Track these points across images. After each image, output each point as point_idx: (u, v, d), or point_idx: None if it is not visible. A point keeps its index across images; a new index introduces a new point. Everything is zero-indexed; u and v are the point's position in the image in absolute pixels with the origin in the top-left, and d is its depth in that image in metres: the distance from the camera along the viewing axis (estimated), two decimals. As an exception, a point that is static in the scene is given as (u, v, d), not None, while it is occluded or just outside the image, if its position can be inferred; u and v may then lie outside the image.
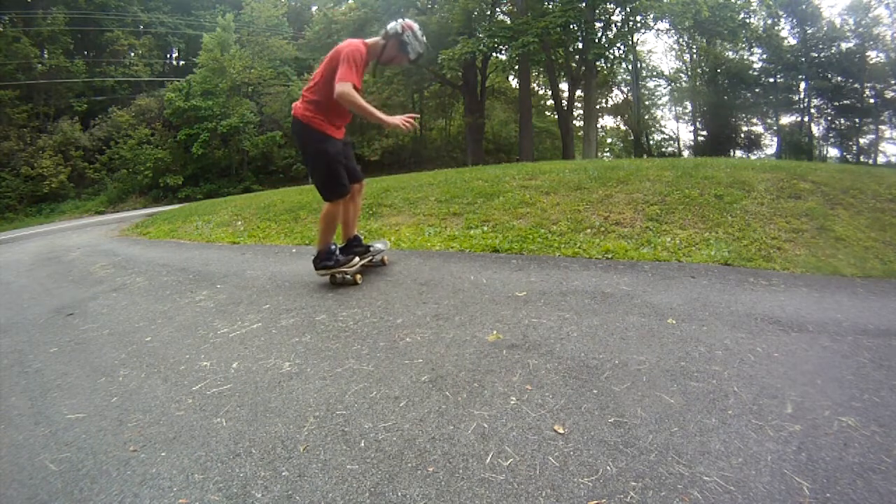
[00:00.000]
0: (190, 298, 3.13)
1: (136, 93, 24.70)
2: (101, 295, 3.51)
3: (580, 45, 19.12)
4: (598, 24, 18.23)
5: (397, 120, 2.67)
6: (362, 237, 3.30)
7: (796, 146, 26.85)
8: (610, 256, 3.36)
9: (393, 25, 2.84)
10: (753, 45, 26.30)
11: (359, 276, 3.03)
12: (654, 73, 30.25)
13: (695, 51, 28.73)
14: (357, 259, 3.06)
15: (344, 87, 2.57)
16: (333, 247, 3.00)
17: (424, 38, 2.88)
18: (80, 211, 20.21)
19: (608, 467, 1.23)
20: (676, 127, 37.75)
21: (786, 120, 29.05)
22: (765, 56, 27.44)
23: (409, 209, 5.19)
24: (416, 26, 2.85)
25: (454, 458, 1.31)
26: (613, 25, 19.42)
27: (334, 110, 2.77)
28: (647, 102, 31.00)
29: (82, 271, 4.66)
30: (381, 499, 1.18)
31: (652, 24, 19.54)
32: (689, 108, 30.71)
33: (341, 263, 2.98)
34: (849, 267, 3.08)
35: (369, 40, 2.85)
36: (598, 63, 18.71)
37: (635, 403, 1.51)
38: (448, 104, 26.43)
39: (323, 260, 2.98)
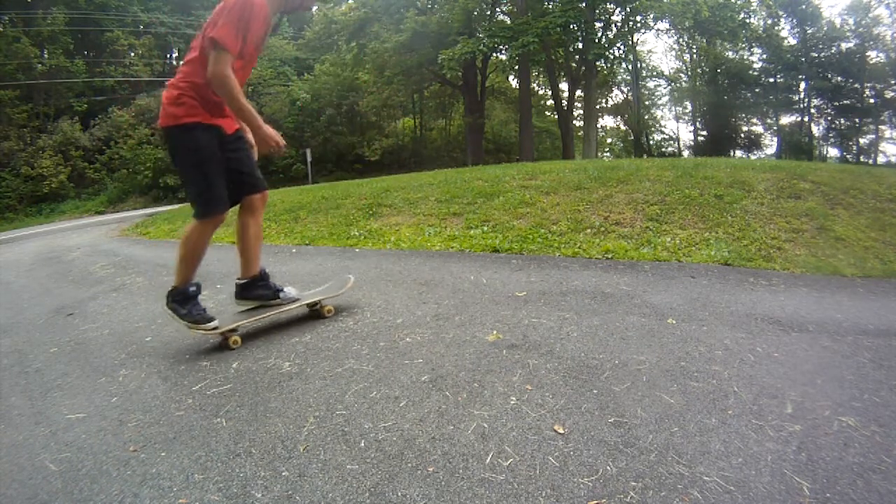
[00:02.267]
0: (190, 298, 3.12)
1: (136, 93, 24.68)
2: (101, 295, 3.50)
3: (580, 45, 19.11)
4: (598, 24, 18.23)
5: (271, 133, 2.02)
6: (269, 275, 2.38)
7: (796, 146, 26.84)
8: (610, 256, 3.36)
9: None
10: (753, 45, 26.30)
11: (235, 340, 2.17)
12: (654, 73, 30.25)
13: (695, 51, 28.73)
14: (213, 322, 2.13)
15: (219, 60, 1.83)
16: (193, 289, 2.16)
17: None
18: (80, 211, 20.21)
19: (608, 467, 1.23)
20: (676, 127, 37.75)
21: (786, 120, 29.07)
22: (765, 56, 27.44)
23: (409, 209, 5.19)
24: None
25: (454, 458, 1.31)
26: (613, 25, 19.42)
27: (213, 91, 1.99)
28: (647, 102, 31.01)
29: (82, 271, 4.66)
30: (381, 499, 1.18)
31: (652, 24, 19.54)
32: (689, 108, 30.71)
33: (193, 319, 2.10)
34: (849, 267, 3.08)
35: None
36: (598, 63, 18.70)
37: (635, 403, 1.51)
38: (448, 104, 26.42)
39: (174, 300, 2.13)
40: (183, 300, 2.13)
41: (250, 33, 1.92)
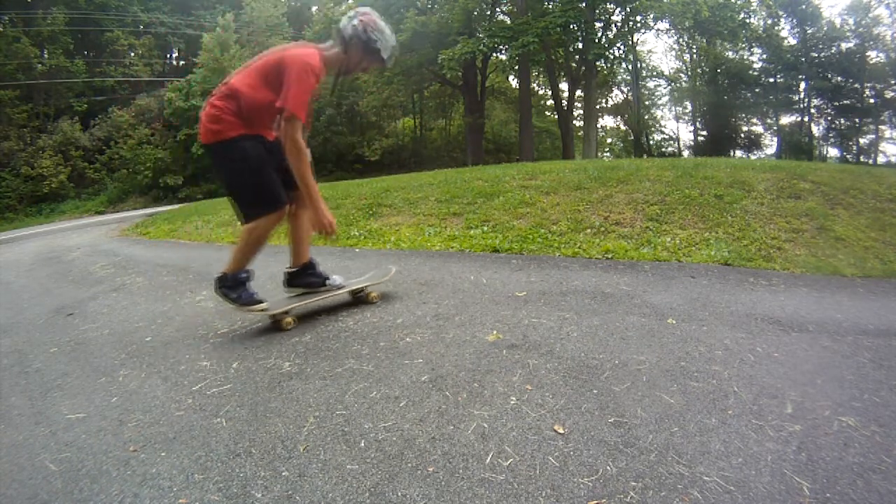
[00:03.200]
0: (190, 298, 3.13)
1: (136, 93, 24.69)
2: (101, 295, 3.50)
3: (580, 45, 19.12)
4: (598, 24, 18.24)
5: (325, 212, 2.15)
6: (317, 263, 2.56)
7: (796, 146, 26.85)
8: (610, 256, 3.36)
9: (347, 24, 2.18)
10: (753, 45, 26.31)
11: (288, 321, 2.33)
12: (654, 73, 30.26)
13: (695, 51, 28.74)
14: (264, 303, 2.30)
15: (294, 122, 2.01)
16: (244, 275, 2.31)
17: (389, 28, 2.25)
18: (80, 211, 20.21)
19: (608, 467, 1.23)
20: (676, 127, 37.79)
21: (786, 120, 29.08)
22: (765, 56, 27.45)
23: (409, 209, 5.19)
24: (375, 16, 2.21)
25: (454, 458, 1.31)
26: (613, 25, 19.43)
27: (258, 118, 2.18)
28: (647, 102, 31.02)
29: (82, 271, 4.66)
30: (381, 499, 1.18)
31: (652, 24, 19.56)
32: (689, 108, 30.72)
33: (243, 303, 2.27)
34: (849, 267, 3.08)
35: (325, 49, 2.21)
36: (598, 63, 18.71)
37: (635, 403, 1.51)
38: (448, 104, 26.43)
39: (223, 286, 2.28)
40: (234, 286, 2.28)
41: (310, 97, 2.08)
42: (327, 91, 2.38)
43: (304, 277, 2.51)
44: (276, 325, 2.34)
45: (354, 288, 2.62)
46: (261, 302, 2.29)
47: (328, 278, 2.54)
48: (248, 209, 2.20)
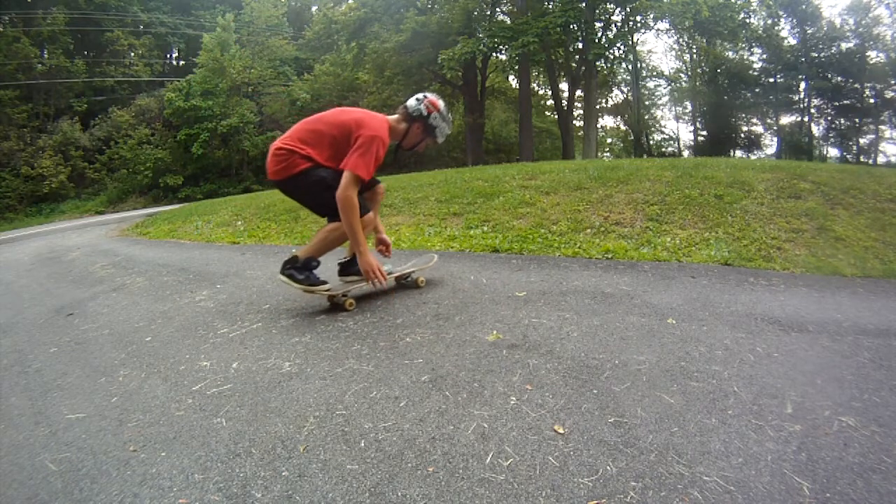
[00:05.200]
0: (190, 298, 3.13)
1: (136, 93, 24.70)
2: (101, 295, 3.50)
3: (580, 45, 19.12)
4: (598, 24, 18.24)
5: (371, 263, 2.39)
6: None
7: (796, 146, 26.86)
8: (610, 256, 3.36)
9: (415, 106, 2.50)
10: (753, 45, 26.30)
11: (350, 302, 2.58)
12: (654, 73, 30.25)
13: (695, 51, 28.73)
14: (328, 284, 2.56)
15: (351, 185, 2.28)
16: (315, 263, 2.58)
17: (450, 116, 2.60)
18: (80, 211, 20.21)
19: (608, 467, 1.23)
20: (676, 127, 37.78)
21: (786, 120, 29.08)
22: (765, 56, 27.45)
23: (409, 209, 5.19)
24: (441, 104, 2.56)
25: (454, 458, 1.31)
26: (613, 25, 19.43)
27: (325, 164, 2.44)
28: (647, 102, 31.01)
29: (82, 271, 4.66)
30: (381, 499, 1.18)
31: (652, 24, 19.55)
32: (689, 108, 30.72)
33: (311, 283, 2.51)
34: (849, 267, 3.08)
35: (392, 120, 2.53)
36: (598, 63, 18.71)
37: (635, 403, 1.51)
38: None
39: (293, 267, 2.53)
40: (303, 268, 2.51)
41: (378, 159, 2.38)
42: (390, 157, 2.71)
43: (356, 266, 2.66)
44: (337, 307, 2.57)
45: (399, 274, 2.87)
46: (325, 283, 2.54)
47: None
48: (334, 216, 2.45)
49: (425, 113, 2.50)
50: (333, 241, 2.53)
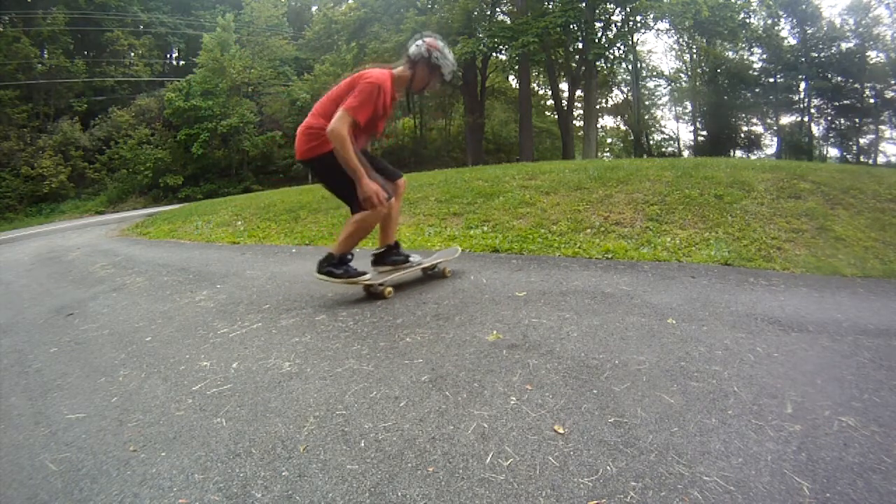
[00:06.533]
0: (190, 298, 3.13)
1: (136, 93, 24.70)
2: (101, 295, 3.51)
3: (580, 45, 19.13)
4: (598, 24, 18.25)
5: (370, 188, 2.40)
6: (400, 244, 2.97)
7: (796, 146, 26.86)
8: (610, 256, 3.36)
9: (416, 49, 2.56)
10: (753, 45, 26.31)
11: (389, 290, 2.70)
12: (654, 73, 30.25)
13: (695, 51, 28.73)
14: (367, 274, 2.67)
15: (342, 121, 2.30)
16: (350, 256, 2.66)
17: (450, 52, 2.62)
18: (80, 211, 20.22)
19: (608, 467, 1.23)
20: (676, 127, 37.74)
21: (786, 120, 29.08)
22: (765, 56, 27.44)
23: (409, 209, 5.19)
24: (440, 43, 2.59)
25: (454, 458, 1.31)
26: (613, 25, 19.44)
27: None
28: (647, 102, 31.02)
29: (82, 271, 4.66)
30: (381, 499, 1.18)
31: (652, 24, 19.57)
32: (689, 108, 30.72)
33: (350, 276, 2.62)
34: (849, 267, 3.08)
35: (395, 70, 2.59)
36: (598, 63, 18.72)
37: (635, 403, 1.51)
38: (448, 104, 26.41)
39: (329, 265, 2.61)
40: (339, 264, 2.60)
41: (377, 109, 2.42)
42: (403, 106, 2.88)
43: (389, 256, 2.84)
44: (376, 296, 2.68)
45: (428, 265, 3.02)
46: (364, 273, 2.64)
47: (409, 256, 2.93)
48: (356, 205, 2.51)
49: (426, 54, 2.53)
50: (360, 231, 2.58)
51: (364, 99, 2.36)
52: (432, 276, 3.07)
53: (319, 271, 2.61)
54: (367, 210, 2.48)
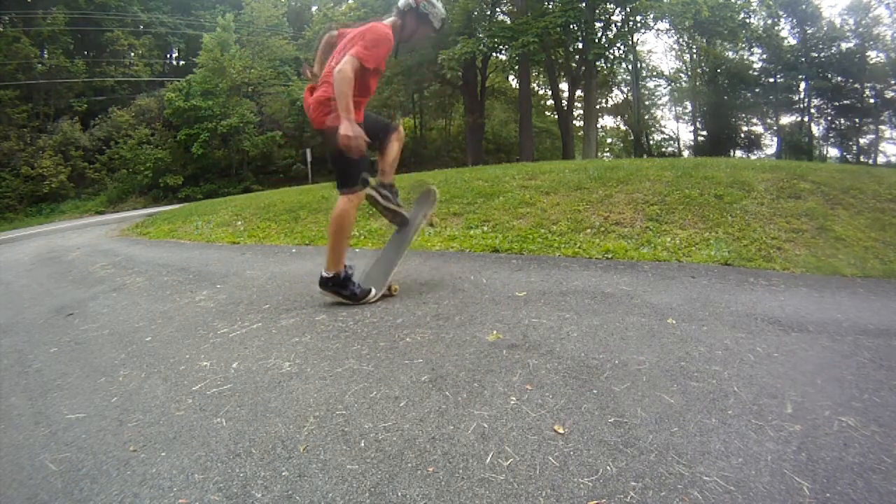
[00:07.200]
0: (190, 298, 3.13)
1: (136, 93, 24.70)
2: (101, 295, 3.50)
3: (580, 45, 19.12)
4: (598, 24, 18.24)
5: (353, 135, 2.29)
6: (398, 191, 2.92)
7: (796, 146, 26.87)
8: (610, 256, 3.36)
9: (404, 0, 2.54)
10: (753, 45, 26.31)
11: (395, 287, 2.71)
12: (654, 73, 30.27)
13: (695, 51, 28.74)
14: (373, 292, 2.63)
15: (350, 64, 2.25)
16: (350, 271, 2.61)
17: (440, 1, 2.58)
18: (80, 211, 20.22)
19: (608, 467, 1.23)
20: (676, 127, 37.75)
21: (786, 120, 29.10)
22: (765, 56, 27.46)
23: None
24: None
25: (454, 458, 1.31)
26: (613, 25, 19.43)
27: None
28: (647, 102, 31.04)
29: (82, 271, 4.66)
30: (381, 499, 1.18)
31: (652, 24, 19.56)
32: (689, 108, 30.75)
33: (358, 298, 2.58)
34: (849, 267, 3.08)
35: (387, 21, 2.56)
36: (598, 63, 18.71)
37: (635, 403, 1.51)
38: (448, 104, 26.43)
39: (335, 285, 2.56)
40: (343, 284, 2.57)
41: (380, 55, 2.42)
42: (391, 58, 2.78)
43: (387, 190, 2.83)
44: (387, 295, 2.70)
45: (417, 219, 3.05)
46: (370, 291, 2.63)
47: (397, 194, 2.93)
48: (346, 181, 2.53)
49: (414, 4, 2.52)
50: (341, 230, 2.54)
51: (373, 45, 2.35)
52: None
53: (324, 288, 2.60)
54: (348, 201, 2.49)
